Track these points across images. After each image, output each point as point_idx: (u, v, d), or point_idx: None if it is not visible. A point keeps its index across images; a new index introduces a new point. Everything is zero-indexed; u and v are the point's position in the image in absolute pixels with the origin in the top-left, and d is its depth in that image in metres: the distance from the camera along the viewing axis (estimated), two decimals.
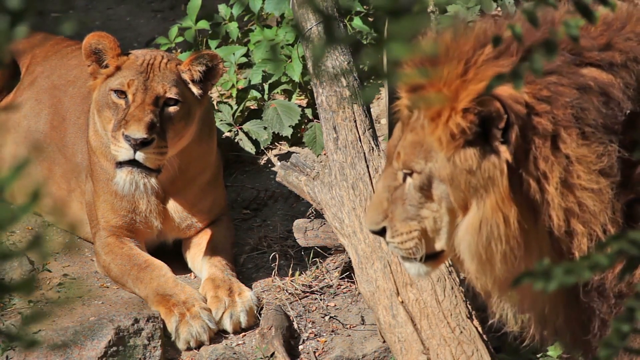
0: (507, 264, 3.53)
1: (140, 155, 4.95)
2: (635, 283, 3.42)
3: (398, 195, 3.67)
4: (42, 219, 5.75)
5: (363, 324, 5.05)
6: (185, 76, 5.16)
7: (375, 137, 4.88)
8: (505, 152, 3.43)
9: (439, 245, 3.67)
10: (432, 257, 3.72)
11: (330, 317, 5.11)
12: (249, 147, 6.06)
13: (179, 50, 6.61)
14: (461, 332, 4.47)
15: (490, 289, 3.69)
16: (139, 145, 4.93)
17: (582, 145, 3.41)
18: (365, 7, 6.22)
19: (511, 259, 3.52)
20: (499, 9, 6.49)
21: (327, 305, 5.16)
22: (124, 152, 4.95)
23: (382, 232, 3.74)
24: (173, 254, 5.43)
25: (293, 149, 6.06)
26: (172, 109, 5.08)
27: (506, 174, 3.44)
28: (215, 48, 6.41)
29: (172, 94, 5.06)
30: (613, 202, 3.41)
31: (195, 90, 5.17)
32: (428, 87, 3.49)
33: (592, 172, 3.40)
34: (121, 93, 5.07)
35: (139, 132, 4.92)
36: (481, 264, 3.57)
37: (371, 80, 5.13)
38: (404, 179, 3.63)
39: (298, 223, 5.40)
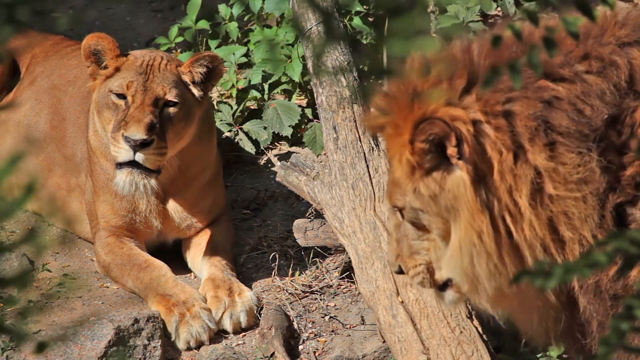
0: (494, 280, 3.56)
1: (140, 156, 4.95)
2: (629, 285, 3.42)
3: (402, 233, 3.74)
4: (42, 219, 5.75)
5: (363, 324, 5.05)
6: (186, 78, 5.16)
7: (375, 137, 4.88)
8: (463, 168, 3.45)
9: (444, 273, 3.71)
10: (448, 286, 3.76)
11: (330, 317, 5.11)
12: (249, 147, 6.06)
13: (179, 50, 6.61)
14: (461, 332, 4.47)
15: (489, 307, 3.72)
16: (139, 146, 4.93)
17: (553, 156, 3.42)
18: (365, 7, 6.22)
19: (496, 274, 3.55)
20: (499, 9, 6.49)
21: (327, 305, 5.16)
22: (124, 153, 4.95)
23: (402, 271, 3.81)
24: (173, 254, 5.43)
25: (293, 149, 6.06)
26: (171, 110, 5.08)
27: (470, 188, 3.47)
28: (215, 48, 6.41)
29: (172, 95, 5.06)
30: (600, 207, 3.42)
31: (196, 92, 5.17)
32: (387, 127, 3.56)
33: (571, 181, 3.42)
34: (121, 94, 5.07)
35: (138, 133, 4.92)
36: (471, 284, 3.61)
37: (371, 80, 5.13)
38: (402, 216, 3.70)
39: (298, 223, 5.40)
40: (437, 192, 3.51)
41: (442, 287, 3.79)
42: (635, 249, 2.10)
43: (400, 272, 3.84)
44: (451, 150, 3.45)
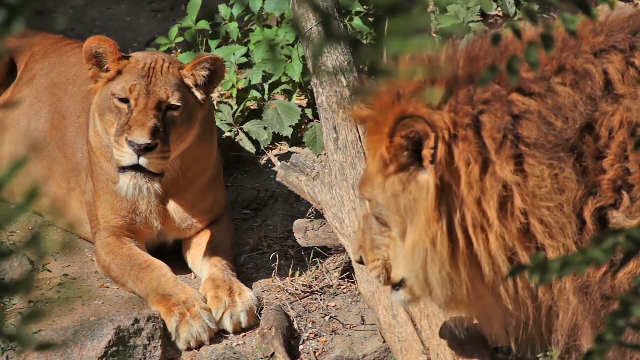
0: (446, 288, 3.58)
1: (143, 160, 4.95)
2: (617, 286, 3.44)
3: (368, 225, 3.77)
4: (42, 219, 5.75)
5: (363, 324, 5.05)
6: (188, 81, 5.16)
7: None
8: (431, 172, 3.48)
9: (398, 272, 3.73)
10: (401, 286, 3.80)
11: (330, 317, 5.11)
12: (249, 147, 6.06)
13: (179, 50, 6.61)
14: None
15: (445, 312, 3.75)
16: (143, 150, 4.93)
17: (520, 169, 3.45)
18: (365, 7, 6.22)
19: (449, 282, 3.57)
20: (499, 8, 6.49)
21: (327, 305, 5.16)
22: (128, 157, 4.95)
23: (362, 262, 3.85)
24: (173, 254, 5.43)
25: (293, 149, 6.06)
26: (174, 113, 5.08)
27: (432, 194, 3.49)
28: (215, 48, 6.41)
29: (174, 99, 5.06)
30: (578, 213, 3.43)
31: (199, 94, 5.17)
32: (368, 121, 3.59)
33: (541, 193, 3.43)
34: (123, 98, 5.06)
35: (142, 137, 4.91)
36: (423, 288, 3.64)
37: (371, 79, 5.13)
38: (369, 210, 3.73)
39: (298, 223, 5.40)
40: (400, 191, 3.55)
41: (396, 285, 3.82)
42: (632, 245, 2.11)
43: (361, 262, 3.87)
44: (427, 152, 3.48)
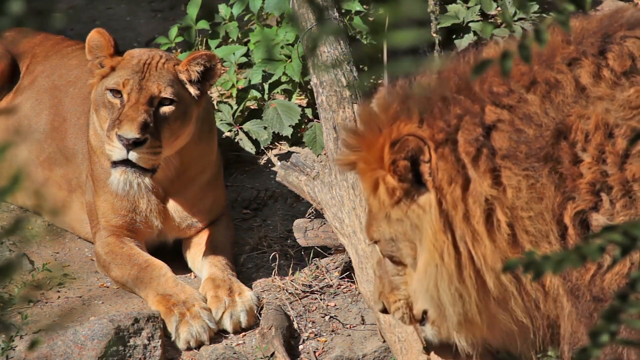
0: (457, 305, 3.59)
1: (133, 155, 4.95)
2: (606, 288, 3.45)
3: (383, 270, 3.79)
4: (42, 219, 5.75)
5: (363, 324, 5.05)
6: (183, 76, 5.16)
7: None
8: (431, 186, 3.51)
9: (419, 305, 3.74)
10: (425, 320, 3.81)
11: (330, 317, 5.11)
12: (249, 147, 6.06)
13: (179, 50, 6.61)
14: None
15: (458, 336, 3.75)
16: (132, 145, 4.93)
17: (498, 182, 3.47)
18: (365, 7, 6.22)
19: (458, 298, 3.58)
20: (499, 8, 6.49)
21: (327, 305, 5.16)
22: (118, 151, 4.95)
23: (386, 310, 3.86)
24: (173, 254, 5.43)
25: (293, 148, 6.06)
26: (167, 108, 5.07)
27: (435, 207, 3.52)
28: (215, 48, 6.41)
29: (167, 93, 5.06)
30: (559, 219, 3.44)
31: (193, 90, 5.16)
32: (359, 163, 3.63)
33: (520, 204, 3.45)
34: (117, 92, 5.06)
35: (131, 132, 4.91)
36: (438, 310, 3.65)
37: (369, 72, 5.15)
38: (381, 252, 3.74)
39: (298, 223, 5.39)
40: (404, 214, 3.58)
41: (421, 321, 3.83)
42: (627, 240, 2.11)
43: (384, 311, 3.89)
44: (424, 167, 3.51)
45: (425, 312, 3.79)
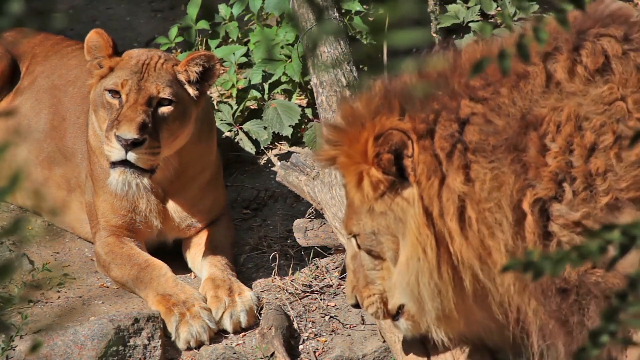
0: (436, 300, 3.60)
1: (131, 156, 4.95)
2: (570, 279, 3.45)
3: (358, 263, 3.79)
4: (42, 219, 5.75)
5: (363, 324, 5.04)
6: (182, 77, 5.16)
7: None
8: (413, 180, 3.52)
9: (395, 300, 3.75)
10: (400, 314, 3.81)
11: (330, 317, 5.11)
12: (249, 147, 6.06)
13: (179, 50, 6.61)
14: None
15: (435, 330, 3.75)
16: (130, 145, 4.93)
17: (469, 179, 3.48)
18: (365, 7, 6.22)
19: (437, 293, 3.59)
20: (499, 8, 6.49)
21: (327, 305, 5.16)
22: (116, 152, 4.96)
23: (358, 305, 3.87)
24: (173, 254, 5.43)
25: (293, 148, 6.06)
26: (165, 109, 5.07)
27: (418, 201, 3.53)
28: (215, 48, 6.41)
29: (165, 94, 5.06)
30: (517, 206, 3.45)
31: (192, 91, 5.16)
32: (340, 157, 3.64)
33: (484, 196, 3.46)
34: (115, 93, 5.06)
35: (130, 132, 4.91)
36: (417, 305, 3.65)
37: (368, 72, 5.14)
38: (358, 246, 3.74)
39: (298, 223, 5.39)
40: (388, 207, 3.59)
41: (395, 316, 3.83)
42: (626, 239, 2.12)
43: (356, 305, 3.89)
44: (407, 161, 3.53)
45: (400, 307, 3.79)
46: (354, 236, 3.78)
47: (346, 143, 3.64)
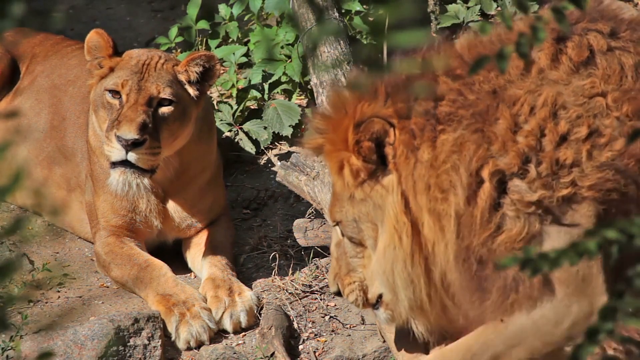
0: (409, 289, 3.60)
1: (132, 156, 4.95)
2: (494, 248, 3.46)
3: (341, 251, 3.80)
4: (42, 219, 5.75)
5: (363, 324, 5.05)
6: (182, 77, 5.16)
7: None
8: (393, 167, 3.53)
9: (375, 289, 3.75)
10: (379, 303, 3.81)
11: (330, 317, 5.11)
12: (249, 147, 6.06)
13: (179, 50, 6.61)
14: None
15: (410, 321, 3.75)
16: (131, 145, 4.93)
17: (435, 147, 3.48)
18: (365, 7, 6.22)
19: (410, 282, 3.59)
20: (499, 8, 6.49)
21: (327, 305, 5.16)
22: (116, 152, 4.96)
23: (339, 293, 3.87)
24: (173, 254, 5.43)
25: (293, 148, 6.06)
26: (166, 109, 5.07)
27: (397, 189, 3.53)
28: (215, 48, 6.41)
29: (166, 94, 5.06)
30: (476, 171, 3.46)
31: (192, 91, 5.16)
32: (325, 145, 3.64)
33: (444, 155, 3.48)
34: (115, 93, 5.06)
35: (130, 132, 4.91)
36: (392, 293, 3.66)
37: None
38: (342, 234, 3.75)
39: (298, 223, 5.39)
40: (368, 193, 3.59)
41: (375, 304, 3.82)
42: (624, 238, 2.12)
43: (338, 293, 3.90)
44: (389, 149, 3.53)
45: (380, 296, 3.79)
46: (338, 223, 3.78)
47: (330, 130, 3.65)
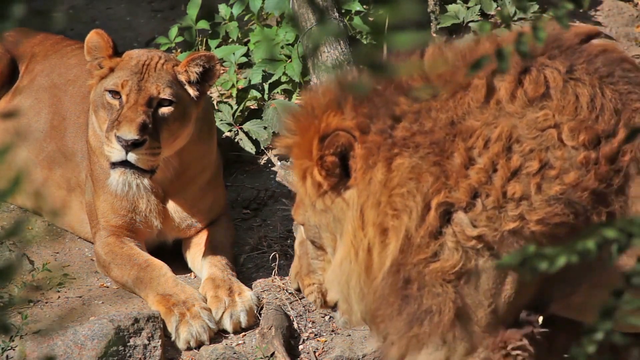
0: (362, 302, 3.61)
1: (132, 156, 4.95)
2: (425, 272, 3.46)
3: (304, 250, 3.81)
4: (42, 219, 5.75)
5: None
6: (182, 77, 5.16)
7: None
8: (354, 181, 3.53)
9: (332, 294, 3.75)
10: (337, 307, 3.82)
11: (330, 317, 5.11)
12: (249, 147, 6.06)
13: (179, 50, 6.61)
14: None
15: (360, 325, 3.76)
16: (131, 146, 4.93)
17: (390, 169, 3.48)
18: (365, 7, 6.22)
19: (363, 295, 3.60)
20: (498, 8, 6.49)
21: None
22: (116, 153, 4.96)
23: (299, 289, 3.89)
24: (173, 254, 5.43)
25: None
26: (166, 109, 5.07)
27: (357, 203, 3.53)
28: (215, 48, 6.41)
29: (166, 94, 5.06)
30: (426, 202, 3.45)
31: (192, 91, 5.16)
32: (294, 148, 3.65)
33: (398, 182, 3.47)
34: (115, 93, 5.06)
35: (130, 133, 4.92)
36: (346, 304, 3.67)
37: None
38: (305, 235, 3.76)
39: None
40: (329, 205, 3.59)
41: (333, 307, 3.84)
42: (624, 237, 2.12)
43: (298, 290, 3.91)
44: (352, 162, 3.53)
45: (338, 302, 3.79)
46: (301, 224, 3.79)
47: (299, 133, 3.65)
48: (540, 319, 3.58)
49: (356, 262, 3.56)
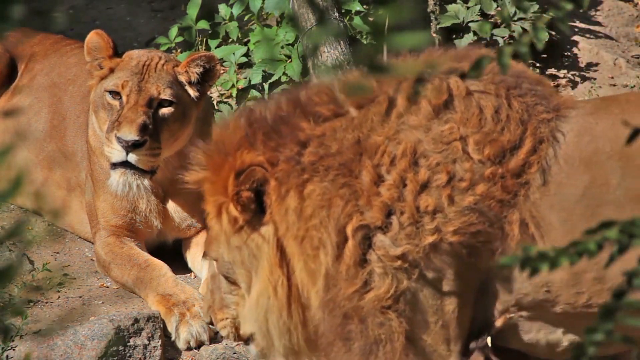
0: (284, 338, 3.58)
1: (132, 157, 4.95)
2: (361, 305, 3.44)
3: (216, 285, 3.80)
4: (42, 219, 5.75)
5: None
6: (182, 78, 5.16)
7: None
8: (269, 219, 3.51)
9: (246, 328, 3.74)
10: (251, 340, 3.81)
11: None
12: None
13: (179, 50, 6.61)
14: None
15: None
16: (131, 147, 4.93)
17: (302, 197, 3.46)
18: (365, 7, 6.22)
19: (286, 332, 3.58)
20: (498, 8, 6.49)
21: None
22: (117, 153, 4.96)
23: (212, 323, 3.88)
24: (173, 254, 5.43)
25: None
26: (166, 110, 5.07)
27: (273, 240, 3.51)
28: (215, 48, 6.41)
29: (166, 95, 5.06)
30: (341, 229, 3.43)
31: (192, 92, 5.16)
32: (205, 183, 3.64)
33: (311, 209, 3.45)
34: (116, 94, 5.07)
35: (130, 133, 4.92)
36: (266, 340, 3.65)
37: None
38: (218, 270, 3.75)
39: None
40: (244, 242, 3.58)
41: (247, 341, 3.83)
42: (625, 238, 2.12)
43: (211, 323, 3.90)
44: (267, 197, 3.51)
45: (252, 335, 3.78)
46: (214, 260, 3.78)
47: (210, 169, 3.63)
48: (489, 339, 3.56)
49: (275, 298, 3.54)
